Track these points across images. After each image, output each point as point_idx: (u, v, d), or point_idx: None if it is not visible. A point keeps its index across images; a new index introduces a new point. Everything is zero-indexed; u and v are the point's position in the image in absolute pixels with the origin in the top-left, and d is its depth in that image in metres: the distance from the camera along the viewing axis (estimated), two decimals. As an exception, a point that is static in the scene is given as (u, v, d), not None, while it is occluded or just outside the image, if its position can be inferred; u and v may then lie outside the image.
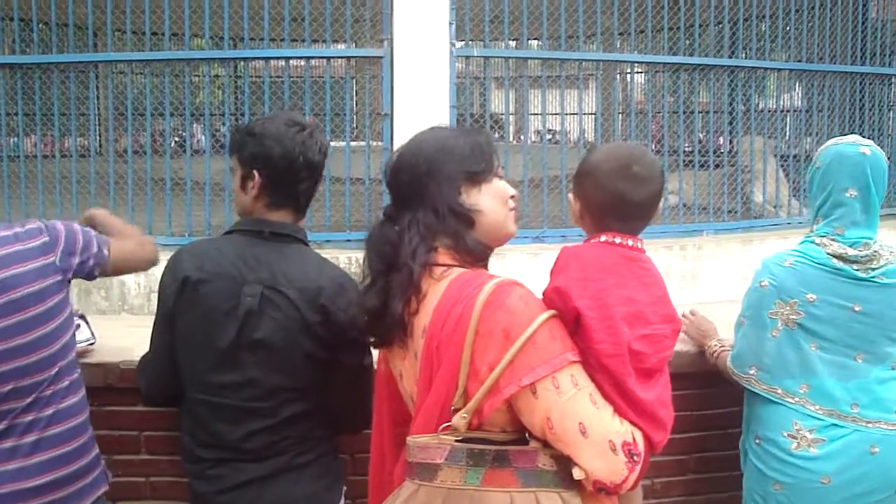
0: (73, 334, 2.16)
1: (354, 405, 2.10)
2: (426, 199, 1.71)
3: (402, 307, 1.66)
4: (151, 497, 2.67)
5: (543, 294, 1.69)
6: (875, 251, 2.31)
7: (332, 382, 2.09)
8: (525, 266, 4.43)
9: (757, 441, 2.40)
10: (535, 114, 9.27)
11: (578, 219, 1.89)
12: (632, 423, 1.61)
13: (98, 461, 2.19)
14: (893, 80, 5.85)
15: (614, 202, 1.78)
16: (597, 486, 1.57)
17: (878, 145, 2.42)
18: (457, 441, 1.58)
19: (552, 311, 1.62)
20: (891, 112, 6.41)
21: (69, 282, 2.11)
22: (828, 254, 2.31)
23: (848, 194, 2.32)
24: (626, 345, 1.63)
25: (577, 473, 1.56)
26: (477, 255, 1.73)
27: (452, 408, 1.58)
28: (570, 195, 1.90)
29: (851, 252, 2.30)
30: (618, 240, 1.77)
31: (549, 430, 1.56)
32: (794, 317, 2.31)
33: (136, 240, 2.37)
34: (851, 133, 2.80)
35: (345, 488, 2.24)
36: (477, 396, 1.56)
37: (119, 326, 3.93)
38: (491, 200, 1.74)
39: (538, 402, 1.55)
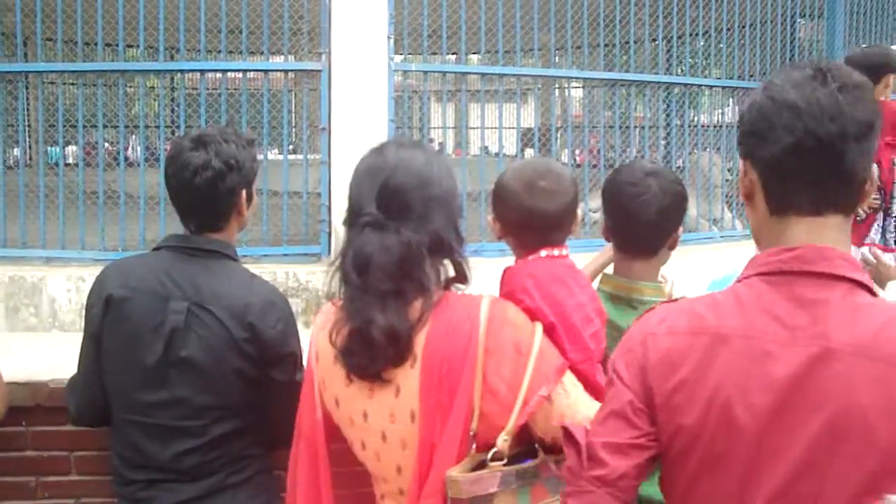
0: None
1: (289, 420, 2.06)
2: (438, 217, 1.62)
3: (413, 335, 1.57)
4: (81, 519, 2.60)
5: None
6: None
7: (264, 399, 2.06)
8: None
9: None
10: (473, 128, 9.38)
11: (500, 238, 1.91)
12: None
13: None
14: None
15: (529, 219, 1.81)
16: None
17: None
18: (503, 465, 1.57)
19: (537, 321, 1.67)
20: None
21: None
22: None
23: None
24: (589, 349, 1.70)
25: None
26: (461, 280, 1.70)
27: (471, 432, 1.55)
28: (489, 217, 1.91)
29: None
30: (556, 252, 1.82)
31: None
32: None
33: None
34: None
35: (281, 506, 2.22)
36: (514, 415, 1.56)
37: (48, 344, 3.84)
38: None
39: (554, 408, 1.60)
